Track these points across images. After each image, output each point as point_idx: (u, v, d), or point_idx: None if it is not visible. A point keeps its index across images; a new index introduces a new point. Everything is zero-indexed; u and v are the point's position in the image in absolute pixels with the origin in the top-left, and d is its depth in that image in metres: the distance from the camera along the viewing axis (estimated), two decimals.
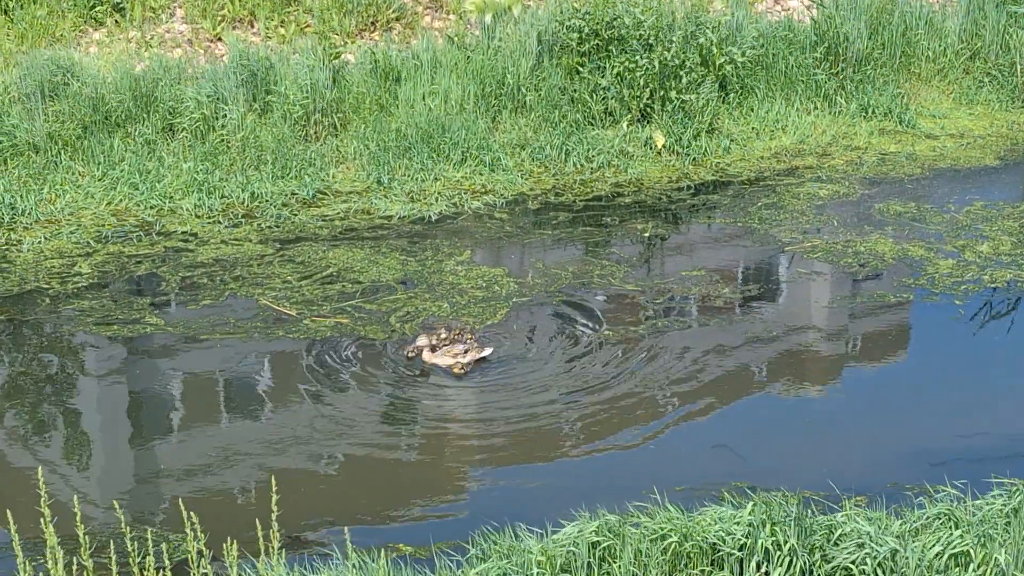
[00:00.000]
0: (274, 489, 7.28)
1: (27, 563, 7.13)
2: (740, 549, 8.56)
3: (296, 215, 16.18)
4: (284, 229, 15.83)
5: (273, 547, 7.44)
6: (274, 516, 7.28)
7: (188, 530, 7.13)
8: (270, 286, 14.36)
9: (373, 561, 8.57)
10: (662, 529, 8.65)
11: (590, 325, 13.82)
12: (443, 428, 11.92)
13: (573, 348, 13.30)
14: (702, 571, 8.51)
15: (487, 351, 12.87)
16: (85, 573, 7.17)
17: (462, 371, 12.64)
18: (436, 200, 16.72)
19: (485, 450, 11.49)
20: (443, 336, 13.02)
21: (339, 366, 12.81)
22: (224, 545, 7.48)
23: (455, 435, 11.80)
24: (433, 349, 12.85)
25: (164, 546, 8.83)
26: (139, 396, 12.47)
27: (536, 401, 12.24)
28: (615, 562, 8.51)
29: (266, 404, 12.27)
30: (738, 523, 8.70)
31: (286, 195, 16.53)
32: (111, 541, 8.48)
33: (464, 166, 17.48)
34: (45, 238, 15.32)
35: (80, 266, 14.72)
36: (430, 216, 16.34)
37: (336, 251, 15.22)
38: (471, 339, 13.00)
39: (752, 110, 19.44)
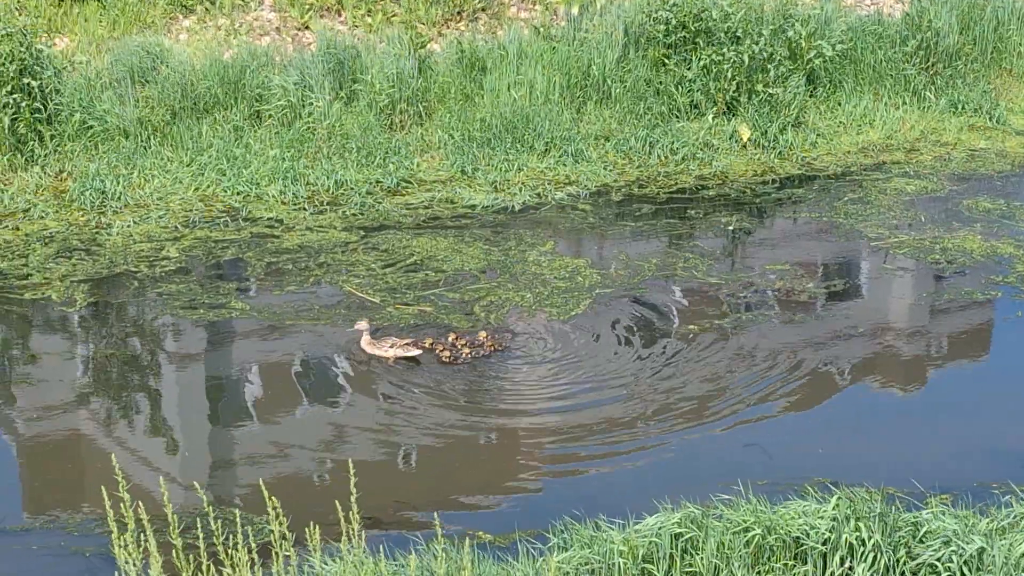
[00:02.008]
0: (352, 472, 7.30)
1: (122, 538, 7.20)
2: (823, 544, 8.50)
3: (380, 203, 16.24)
4: (368, 217, 15.90)
5: (353, 530, 7.45)
6: (353, 499, 7.31)
7: (270, 510, 7.17)
8: (354, 273, 14.43)
9: (455, 548, 8.58)
10: (745, 522, 8.60)
11: (672, 318, 13.77)
12: (523, 417, 11.91)
13: (655, 341, 13.26)
14: (785, 565, 8.46)
15: (413, 352, 12.73)
16: (174, 551, 7.22)
17: (448, 359, 12.72)
18: (520, 190, 16.72)
19: (565, 440, 11.47)
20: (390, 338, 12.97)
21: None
22: (307, 529, 7.52)
23: (535, 425, 11.79)
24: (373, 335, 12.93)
25: (249, 528, 8.91)
26: (222, 380, 12.56)
27: (616, 393, 12.22)
28: (697, 554, 8.48)
29: (346, 390, 12.32)
30: (822, 517, 8.63)
31: (371, 183, 16.60)
32: (196, 522, 8.57)
33: (548, 157, 17.48)
34: (134, 222, 15.49)
35: (168, 250, 14.86)
36: (514, 206, 16.35)
37: (420, 240, 15.27)
38: (404, 343, 12.83)
39: (840, 104, 19.32)
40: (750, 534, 8.52)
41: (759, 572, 8.48)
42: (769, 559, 8.52)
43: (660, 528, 8.57)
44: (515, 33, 18.92)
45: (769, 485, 9.95)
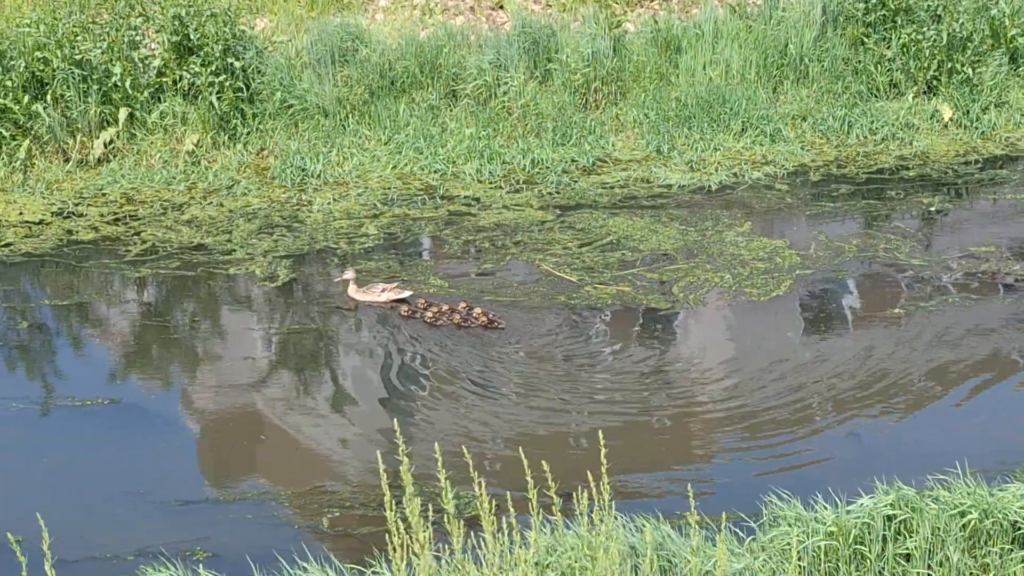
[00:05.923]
0: (602, 443, 7.24)
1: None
2: None
3: (576, 182, 16.24)
4: (564, 196, 15.91)
5: (604, 500, 7.44)
6: (604, 469, 7.29)
7: (509, 473, 7.18)
8: (551, 252, 14.45)
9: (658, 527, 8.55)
10: (962, 504, 8.41)
11: (876, 299, 13.55)
12: (724, 398, 11.81)
13: (859, 322, 13.07)
14: (1002, 549, 8.26)
15: (405, 293, 13.32)
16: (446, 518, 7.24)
17: (432, 319, 13.05)
18: (716, 170, 16.59)
19: (771, 420, 11.35)
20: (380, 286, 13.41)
21: (619, 332, 12.83)
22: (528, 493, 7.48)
23: (736, 405, 11.66)
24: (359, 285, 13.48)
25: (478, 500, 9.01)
26: (423, 354, 12.65)
27: (822, 374, 12.06)
28: (911, 537, 8.31)
29: (536, 367, 12.29)
30: None
31: (566, 162, 16.61)
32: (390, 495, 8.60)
33: (744, 136, 17.31)
34: (334, 199, 15.70)
35: (367, 227, 15.04)
36: (710, 186, 16.23)
37: (616, 219, 15.23)
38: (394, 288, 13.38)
39: None
40: (967, 518, 8.34)
41: (975, 556, 8.30)
42: (986, 543, 8.33)
43: (873, 509, 8.42)
44: (710, 12, 18.75)
45: (983, 470, 9.70)
